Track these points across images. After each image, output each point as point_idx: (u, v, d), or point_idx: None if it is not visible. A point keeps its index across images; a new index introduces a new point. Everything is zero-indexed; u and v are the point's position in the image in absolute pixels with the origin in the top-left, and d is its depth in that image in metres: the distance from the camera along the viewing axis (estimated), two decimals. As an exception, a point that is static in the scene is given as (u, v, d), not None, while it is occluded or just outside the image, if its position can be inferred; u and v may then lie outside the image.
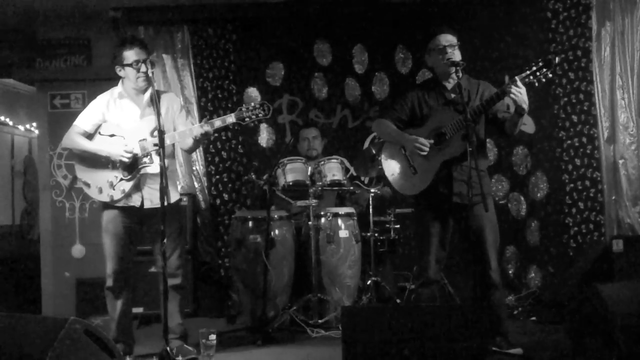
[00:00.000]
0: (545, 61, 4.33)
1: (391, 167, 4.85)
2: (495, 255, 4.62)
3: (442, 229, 4.70)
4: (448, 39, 4.65)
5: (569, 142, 6.70)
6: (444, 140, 4.58)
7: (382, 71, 7.19)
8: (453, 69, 4.57)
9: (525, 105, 4.37)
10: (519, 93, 4.30)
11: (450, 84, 4.73)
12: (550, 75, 4.35)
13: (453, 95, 4.69)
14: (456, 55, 4.62)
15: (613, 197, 6.68)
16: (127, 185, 4.71)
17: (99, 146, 4.74)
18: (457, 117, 4.52)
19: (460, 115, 4.49)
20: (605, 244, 6.36)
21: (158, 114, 4.47)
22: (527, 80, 4.34)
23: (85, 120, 4.82)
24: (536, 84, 4.38)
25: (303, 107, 7.22)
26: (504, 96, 4.38)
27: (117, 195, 4.72)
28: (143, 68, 4.68)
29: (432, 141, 4.62)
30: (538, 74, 4.32)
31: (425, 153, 4.60)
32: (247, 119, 4.76)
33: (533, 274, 6.72)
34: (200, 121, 6.83)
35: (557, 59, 4.38)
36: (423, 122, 4.72)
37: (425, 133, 4.65)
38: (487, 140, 6.66)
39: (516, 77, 4.35)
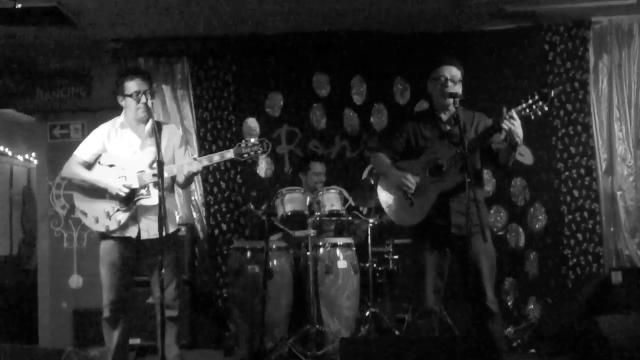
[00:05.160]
0: (541, 94, 4.33)
1: (387, 199, 4.83)
2: (491, 286, 4.58)
3: (440, 259, 4.66)
4: (452, 71, 4.62)
5: (567, 173, 6.73)
6: (440, 172, 4.58)
7: (381, 102, 7.19)
8: (451, 101, 4.58)
9: (519, 139, 4.36)
10: (514, 126, 4.31)
11: (446, 116, 4.73)
12: (546, 109, 4.33)
13: (448, 127, 4.70)
14: (456, 89, 4.60)
15: (611, 229, 6.68)
16: (124, 216, 4.71)
17: (97, 177, 4.74)
18: (453, 150, 4.53)
19: (456, 147, 4.50)
20: (604, 276, 6.35)
21: (158, 146, 4.46)
22: (523, 113, 4.33)
23: (85, 150, 4.84)
24: (532, 117, 4.37)
25: (302, 138, 7.22)
26: (499, 128, 4.38)
27: (112, 225, 4.72)
28: (143, 99, 4.69)
29: (417, 178, 4.61)
30: (534, 107, 4.32)
31: (411, 191, 4.60)
32: (245, 155, 4.72)
33: (532, 306, 6.69)
34: (199, 151, 6.91)
35: (552, 93, 4.38)
36: (419, 154, 4.71)
37: (422, 165, 4.65)
38: (485, 171, 6.73)
39: (512, 110, 4.35)
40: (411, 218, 4.67)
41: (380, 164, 4.84)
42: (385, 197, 4.87)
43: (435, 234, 4.63)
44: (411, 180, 4.60)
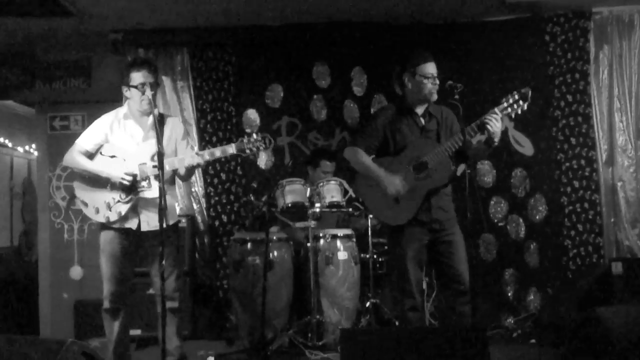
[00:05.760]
0: (521, 94, 4.46)
1: (371, 197, 4.81)
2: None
3: (418, 251, 4.70)
4: (435, 68, 4.70)
5: (567, 164, 6.72)
6: (425, 170, 4.59)
7: (381, 93, 7.18)
8: (434, 97, 4.66)
9: (497, 139, 4.48)
10: (496, 126, 4.40)
11: (421, 111, 4.76)
12: (526, 108, 4.47)
13: (423, 122, 4.73)
14: (436, 86, 4.70)
15: (612, 220, 6.69)
16: (124, 208, 4.71)
17: (99, 167, 4.73)
18: (438, 146, 4.57)
19: (437, 143, 4.62)
20: (604, 267, 6.35)
21: (158, 137, 4.46)
22: (505, 112, 4.45)
23: (87, 139, 4.82)
24: (513, 116, 4.55)
25: (302, 129, 7.21)
26: (484, 127, 4.45)
27: (113, 216, 4.71)
28: (148, 92, 4.67)
29: (404, 183, 4.62)
30: (515, 106, 4.46)
31: (401, 194, 4.60)
32: (247, 151, 4.72)
33: (532, 297, 6.69)
34: (199, 143, 6.90)
35: (530, 92, 4.45)
36: (398, 150, 4.72)
37: (404, 162, 4.65)
38: (486, 162, 6.75)
39: (495, 109, 4.47)
40: (398, 217, 4.67)
41: (363, 162, 4.78)
42: (367, 196, 4.85)
43: (417, 228, 4.65)
44: (401, 186, 4.59)
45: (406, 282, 4.68)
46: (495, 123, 4.40)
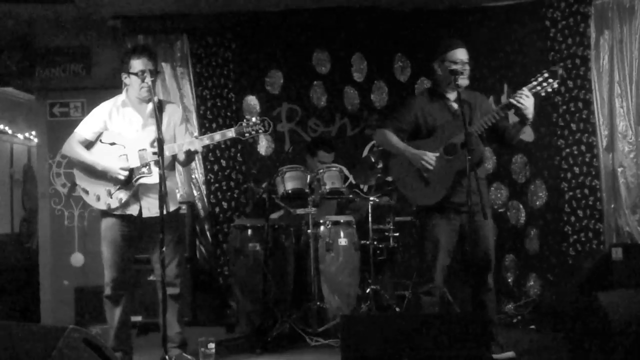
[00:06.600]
0: (550, 72, 4.48)
1: (403, 177, 4.84)
2: (494, 261, 4.80)
3: (450, 237, 4.73)
4: (465, 54, 4.71)
5: (567, 150, 6.70)
6: (456, 152, 4.61)
7: (381, 79, 7.19)
8: (462, 83, 4.66)
9: (531, 116, 4.50)
10: (528, 104, 4.42)
11: (453, 96, 4.77)
12: (556, 86, 4.50)
13: (456, 107, 4.73)
14: (466, 72, 4.70)
15: (612, 205, 6.67)
16: (125, 195, 4.71)
17: (96, 159, 4.72)
18: (468, 128, 4.58)
19: (469, 126, 4.58)
20: (604, 252, 6.35)
21: (158, 123, 4.46)
22: (533, 90, 4.47)
23: (86, 128, 4.82)
24: (542, 94, 4.51)
25: (302, 116, 7.21)
26: (512, 106, 4.46)
27: (114, 203, 4.72)
28: (147, 79, 4.66)
29: (437, 154, 4.63)
30: (544, 84, 4.47)
31: (431, 169, 4.62)
32: (247, 134, 4.74)
33: (532, 282, 6.71)
34: (199, 129, 6.89)
35: (560, 70, 4.48)
36: (430, 133, 4.75)
37: (436, 144, 4.69)
38: (486, 148, 6.73)
39: (524, 88, 4.47)
40: (428, 198, 4.72)
41: (391, 141, 4.84)
42: (399, 177, 4.87)
43: (449, 211, 4.69)
44: (431, 158, 4.62)
45: (431, 268, 4.72)
46: (526, 99, 4.42)
